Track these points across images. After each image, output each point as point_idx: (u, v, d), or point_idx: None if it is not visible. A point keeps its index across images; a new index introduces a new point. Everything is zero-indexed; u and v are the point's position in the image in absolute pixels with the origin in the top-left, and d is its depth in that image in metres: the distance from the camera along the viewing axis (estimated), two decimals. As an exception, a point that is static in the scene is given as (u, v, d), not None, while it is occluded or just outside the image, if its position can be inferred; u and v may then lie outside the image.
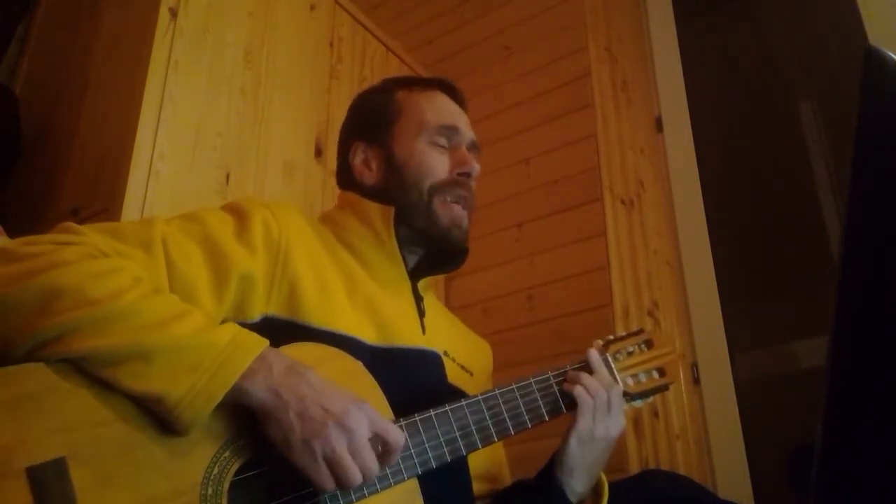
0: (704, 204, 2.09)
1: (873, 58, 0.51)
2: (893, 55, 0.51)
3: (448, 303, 2.11)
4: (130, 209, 1.37)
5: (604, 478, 1.07)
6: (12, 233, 1.23)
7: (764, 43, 2.34)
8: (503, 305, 2.00)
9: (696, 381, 1.93)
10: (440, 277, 1.58)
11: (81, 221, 1.41)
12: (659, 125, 2.27)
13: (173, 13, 1.57)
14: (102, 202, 1.41)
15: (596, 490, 1.06)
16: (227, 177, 1.60)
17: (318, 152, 1.86)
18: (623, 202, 2.02)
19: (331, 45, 2.03)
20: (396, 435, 0.82)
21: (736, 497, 1.47)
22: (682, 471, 1.73)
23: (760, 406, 1.88)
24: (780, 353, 1.98)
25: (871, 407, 0.50)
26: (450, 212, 1.10)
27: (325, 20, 2.04)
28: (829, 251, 1.95)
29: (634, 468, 1.65)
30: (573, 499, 1.01)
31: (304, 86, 1.90)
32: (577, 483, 1.02)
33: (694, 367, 1.95)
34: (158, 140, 1.46)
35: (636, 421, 1.74)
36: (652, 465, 1.70)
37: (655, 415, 1.80)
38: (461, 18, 2.49)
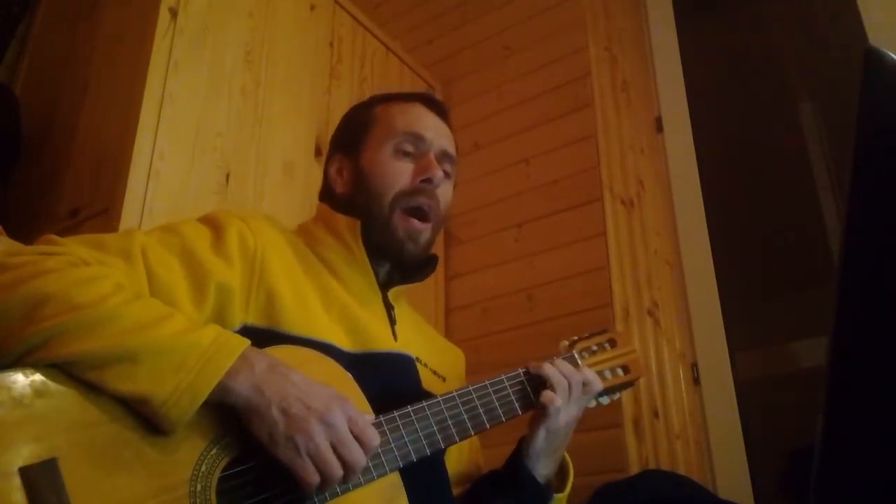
0: (704, 204, 2.09)
1: (873, 58, 0.51)
2: (893, 55, 0.51)
3: (448, 303, 2.11)
4: (130, 209, 1.37)
5: (567, 458, 1.13)
6: (12, 233, 1.23)
7: (764, 43, 2.34)
8: (503, 305, 2.00)
9: (696, 381, 1.93)
10: (431, 278, 1.58)
11: (81, 221, 1.42)
12: (659, 125, 2.27)
13: (173, 13, 1.57)
14: (102, 202, 1.41)
15: (562, 469, 1.13)
16: (227, 177, 1.60)
17: (318, 152, 1.86)
18: (623, 202, 2.02)
19: (331, 45, 2.03)
20: (371, 435, 0.84)
21: (736, 497, 1.47)
22: (682, 471, 1.73)
23: (760, 406, 1.88)
24: (780, 353, 1.98)
25: (871, 407, 0.50)
26: (407, 225, 1.10)
27: (325, 20, 2.04)
28: (829, 251, 1.95)
29: (634, 468, 1.65)
30: (542, 481, 1.08)
31: (304, 86, 1.90)
32: (543, 467, 1.09)
33: (694, 367, 1.95)
34: (158, 140, 1.46)
35: (636, 421, 1.74)
36: (652, 465, 1.70)
37: (655, 415, 1.80)
38: (461, 18, 2.49)
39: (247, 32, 1.76)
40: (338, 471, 0.80)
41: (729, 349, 1.91)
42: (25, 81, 1.85)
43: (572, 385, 1.06)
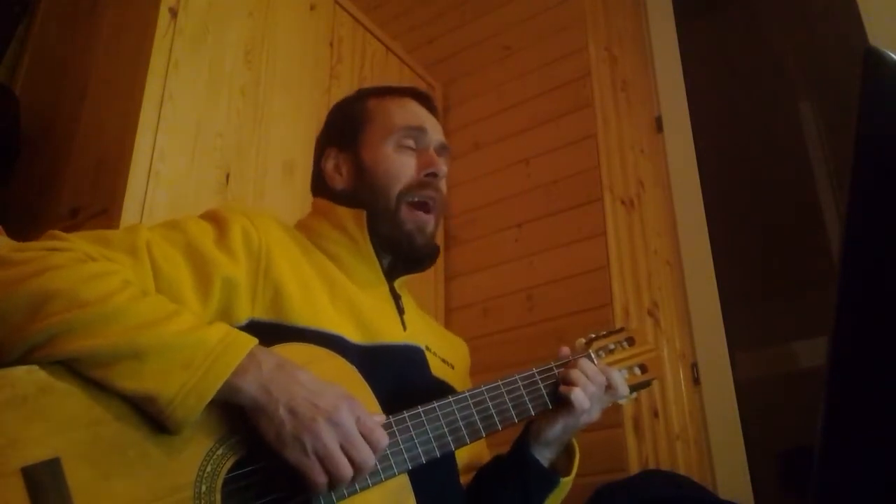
0: (704, 204, 2.09)
1: (873, 58, 0.51)
2: (893, 55, 0.51)
3: (448, 303, 2.11)
4: (130, 209, 1.37)
5: (574, 441, 1.12)
6: (12, 233, 1.23)
7: (764, 43, 2.34)
8: (503, 305, 2.00)
9: (696, 381, 1.93)
10: (431, 278, 1.59)
11: (81, 222, 1.43)
12: (659, 125, 2.27)
13: (173, 13, 1.57)
14: (102, 202, 1.41)
15: (567, 452, 1.12)
16: (227, 177, 1.60)
17: (318, 152, 1.86)
18: (623, 202, 2.02)
19: (331, 45, 2.03)
20: (380, 435, 0.83)
21: (736, 497, 1.48)
22: (682, 471, 1.73)
23: (760, 406, 1.88)
24: (780, 353, 1.98)
25: (871, 407, 0.50)
26: (414, 218, 1.12)
27: (325, 20, 2.04)
28: (829, 251, 1.95)
29: (634, 468, 1.65)
30: (547, 465, 1.09)
31: (304, 86, 1.90)
32: (550, 452, 1.09)
33: (694, 367, 1.95)
34: (158, 140, 1.46)
35: (636, 421, 1.74)
36: (652, 465, 1.70)
37: (655, 415, 1.80)
38: (461, 18, 2.49)
39: (247, 32, 1.76)
40: (347, 471, 0.79)
41: (729, 349, 1.91)
42: (25, 81, 1.85)
43: (598, 387, 1.05)
